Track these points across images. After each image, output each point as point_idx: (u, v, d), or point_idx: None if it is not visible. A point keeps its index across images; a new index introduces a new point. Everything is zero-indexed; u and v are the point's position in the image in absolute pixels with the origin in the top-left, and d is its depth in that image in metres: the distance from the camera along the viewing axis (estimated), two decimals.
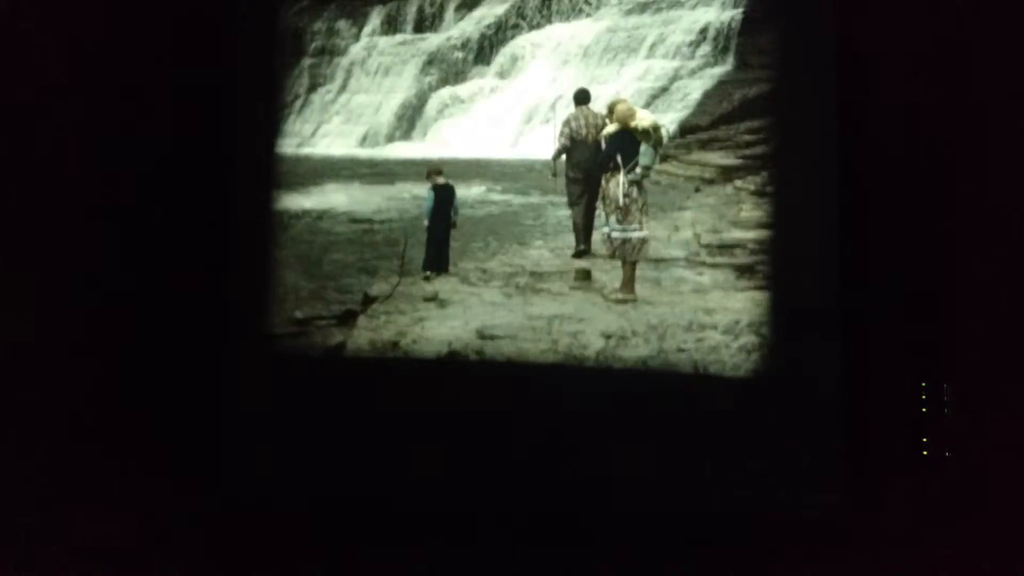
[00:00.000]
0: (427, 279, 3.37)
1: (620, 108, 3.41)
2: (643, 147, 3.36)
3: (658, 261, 3.29)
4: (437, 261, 3.44)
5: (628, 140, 3.36)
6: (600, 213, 3.47)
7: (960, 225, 2.74)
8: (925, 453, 2.69)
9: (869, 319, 2.74)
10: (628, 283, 3.22)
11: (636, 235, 3.30)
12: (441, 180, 3.53)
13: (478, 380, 2.89)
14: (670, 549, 2.68)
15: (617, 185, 3.34)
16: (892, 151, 2.79)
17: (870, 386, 2.71)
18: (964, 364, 2.71)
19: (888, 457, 2.71)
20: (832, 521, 2.62)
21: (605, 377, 2.86)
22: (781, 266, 2.84)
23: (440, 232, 3.48)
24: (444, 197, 3.50)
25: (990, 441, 2.67)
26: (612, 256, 3.32)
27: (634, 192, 3.33)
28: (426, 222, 3.48)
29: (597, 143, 3.57)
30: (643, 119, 3.36)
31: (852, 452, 2.65)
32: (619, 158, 3.34)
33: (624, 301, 3.15)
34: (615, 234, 3.32)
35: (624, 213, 3.30)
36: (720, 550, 2.67)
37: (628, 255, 3.28)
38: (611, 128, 3.39)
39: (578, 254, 3.56)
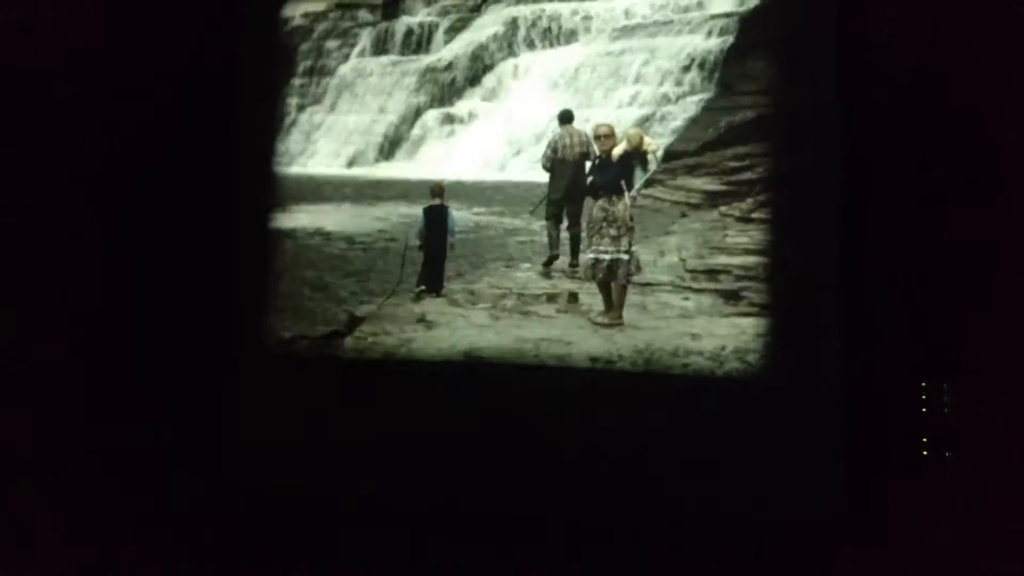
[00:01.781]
0: (418, 297, 3.38)
1: (631, 131, 3.45)
2: (638, 169, 3.41)
3: (644, 285, 3.30)
4: (430, 280, 3.46)
5: (633, 162, 3.40)
6: (584, 236, 3.47)
7: (961, 224, 2.76)
8: (925, 453, 2.69)
9: (869, 319, 2.74)
10: (619, 307, 3.23)
11: (626, 256, 3.33)
12: (436, 201, 3.56)
13: (474, 381, 2.90)
14: (668, 551, 2.69)
15: (625, 208, 3.36)
16: (891, 148, 2.80)
17: (870, 386, 2.71)
18: (964, 364, 2.71)
19: (888, 457, 2.70)
20: (832, 521, 2.61)
21: (604, 379, 2.88)
22: (782, 264, 2.82)
23: (433, 252, 3.51)
24: (436, 218, 3.53)
25: (990, 441, 2.67)
26: (613, 280, 3.30)
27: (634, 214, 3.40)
28: (417, 241, 3.50)
29: (579, 162, 3.64)
30: (651, 142, 3.42)
31: (852, 452, 2.64)
32: (623, 182, 3.38)
33: (611, 325, 3.16)
34: (621, 256, 3.33)
35: (631, 235, 3.34)
36: (719, 551, 2.67)
37: (628, 276, 3.30)
38: (619, 150, 3.40)
39: (549, 260, 3.65)
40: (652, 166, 3.49)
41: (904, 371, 2.74)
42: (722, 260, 3.30)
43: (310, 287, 3.26)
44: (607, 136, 3.45)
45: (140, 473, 2.91)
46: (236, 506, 2.84)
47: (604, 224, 3.39)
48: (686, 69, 4.26)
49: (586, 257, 3.45)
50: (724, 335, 2.94)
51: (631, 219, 3.40)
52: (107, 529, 2.88)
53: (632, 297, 3.27)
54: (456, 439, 2.76)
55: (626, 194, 3.41)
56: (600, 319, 3.22)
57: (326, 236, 3.74)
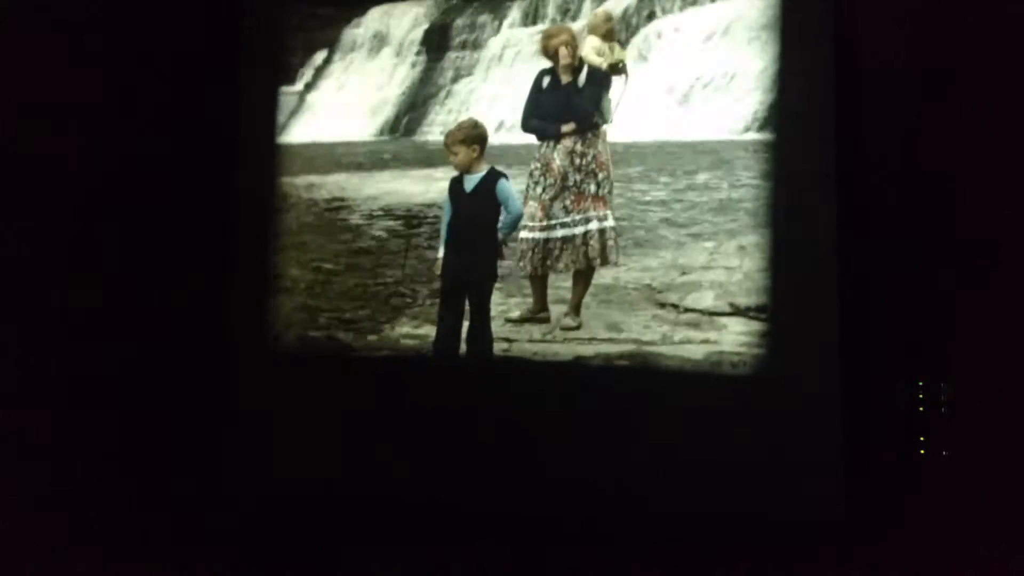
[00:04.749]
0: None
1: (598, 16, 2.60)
2: (603, 93, 2.73)
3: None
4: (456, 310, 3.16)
5: (600, 82, 2.69)
6: (533, 205, 2.79)
7: (960, 225, 2.71)
8: (923, 452, 2.71)
9: (868, 319, 2.75)
10: (579, 303, 2.86)
11: (612, 221, 2.78)
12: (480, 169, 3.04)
13: (477, 379, 3.04)
14: (666, 550, 2.82)
15: (606, 147, 2.71)
16: (892, 155, 2.78)
17: (868, 385, 2.74)
18: (963, 364, 2.69)
19: (887, 457, 2.74)
20: (830, 521, 2.68)
21: (602, 378, 2.96)
22: (780, 264, 2.84)
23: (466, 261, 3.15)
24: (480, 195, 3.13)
25: (989, 441, 2.66)
26: (587, 265, 2.84)
27: None
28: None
29: None
30: (616, 47, 2.65)
31: (850, 451, 2.68)
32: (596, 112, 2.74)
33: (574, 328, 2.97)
34: (607, 223, 2.76)
35: (612, 189, 2.81)
36: (717, 550, 2.79)
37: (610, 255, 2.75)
38: (592, 59, 2.66)
39: None
40: (621, 83, 2.76)
41: (903, 371, 2.74)
42: None
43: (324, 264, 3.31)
44: (566, 45, 2.61)
45: (139, 474, 2.94)
46: (236, 508, 2.88)
47: (576, 178, 2.65)
48: None
49: (532, 236, 2.68)
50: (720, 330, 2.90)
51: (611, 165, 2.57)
52: (107, 531, 2.90)
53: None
54: (455, 439, 2.85)
55: (603, 128, 2.67)
56: (570, 322, 2.93)
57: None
